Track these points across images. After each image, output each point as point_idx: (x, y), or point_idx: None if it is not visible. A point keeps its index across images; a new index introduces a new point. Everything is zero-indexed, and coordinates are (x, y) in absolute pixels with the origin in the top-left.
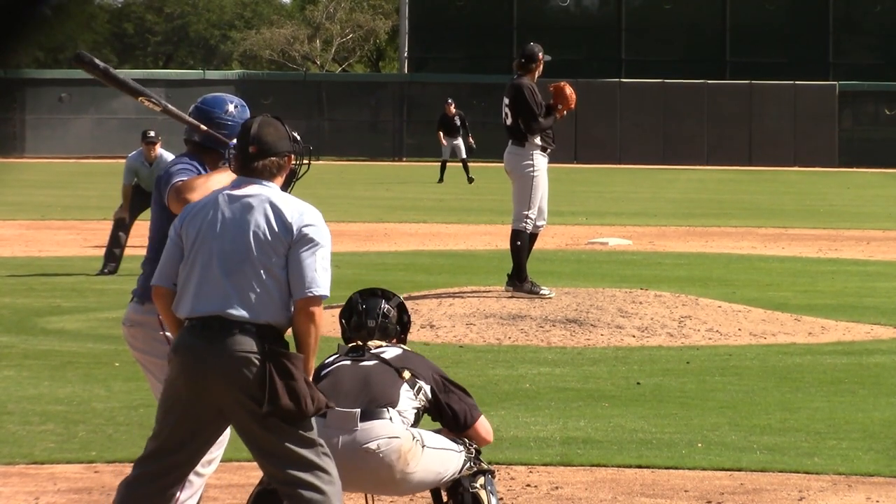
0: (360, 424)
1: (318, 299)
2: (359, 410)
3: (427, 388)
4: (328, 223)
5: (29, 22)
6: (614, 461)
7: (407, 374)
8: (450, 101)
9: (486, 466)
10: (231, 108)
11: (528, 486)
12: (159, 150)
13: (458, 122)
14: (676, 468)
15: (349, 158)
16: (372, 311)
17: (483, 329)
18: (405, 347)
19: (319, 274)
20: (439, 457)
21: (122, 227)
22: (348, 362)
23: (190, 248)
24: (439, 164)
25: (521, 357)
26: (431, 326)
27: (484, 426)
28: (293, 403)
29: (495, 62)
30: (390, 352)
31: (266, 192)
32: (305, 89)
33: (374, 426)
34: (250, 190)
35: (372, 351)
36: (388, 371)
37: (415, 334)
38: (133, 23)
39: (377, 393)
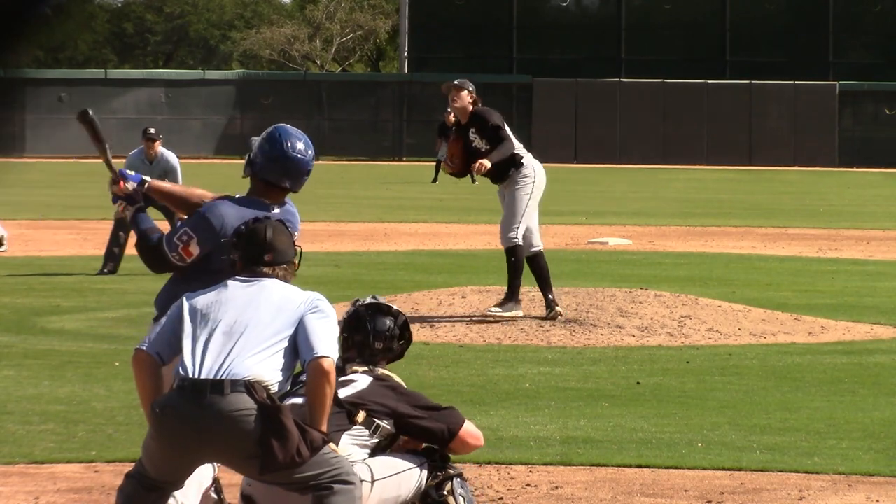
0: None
1: (330, 361)
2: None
3: (386, 423)
4: (328, 223)
5: (29, 22)
6: (614, 461)
7: (361, 417)
8: (449, 109)
9: (453, 471)
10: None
11: (528, 485)
12: (160, 148)
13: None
14: (676, 468)
15: (349, 158)
16: (381, 333)
17: (483, 329)
18: (381, 374)
19: (331, 340)
20: (392, 483)
21: (122, 226)
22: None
23: (194, 321)
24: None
25: (521, 357)
26: (431, 326)
27: (469, 433)
28: (289, 459)
29: (495, 62)
30: (356, 385)
31: (272, 282)
32: (305, 89)
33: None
34: (259, 281)
35: (339, 379)
36: (337, 415)
37: (415, 334)
38: (133, 22)
39: None
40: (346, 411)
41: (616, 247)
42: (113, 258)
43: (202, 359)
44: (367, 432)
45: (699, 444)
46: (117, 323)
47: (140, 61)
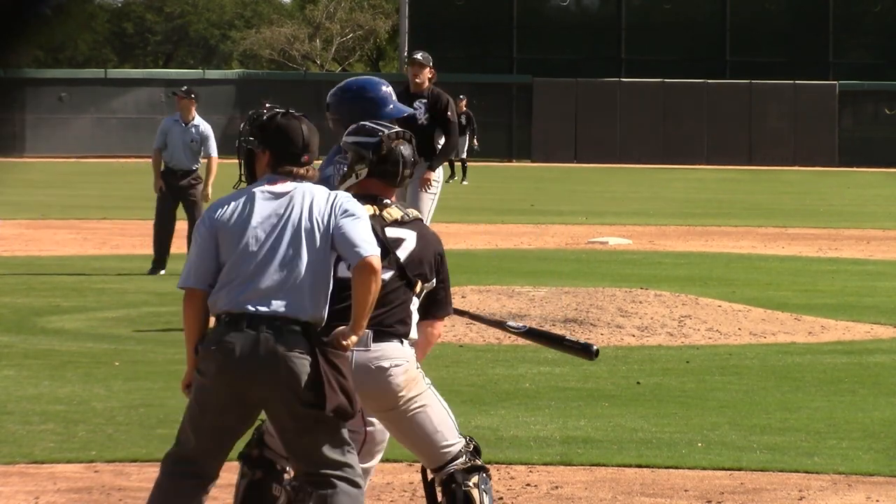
0: (372, 345)
1: (377, 258)
2: (371, 332)
3: (428, 285)
4: None
5: (29, 22)
6: (614, 461)
7: (419, 288)
8: (462, 97)
9: (481, 463)
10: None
11: (528, 485)
12: (196, 114)
13: (465, 121)
14: (676, 468)
15: None
16: (409, 160)
17: (483, 328)
18: (416, 218)
19: (368, 238)
20: (439, 411)
21: (163, 228)
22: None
23: (230, 246)
24: None
25: (521, 356)
26: None
27: (441, 330)
28: (347, 401)
29: (495, 62)
30: (406, 245)
31: (304, 187)
32: (305, 89)
33: (385, 349)
34: (286, 187)
35: (390, 234)
36: (400, 288)
37: None
38: (133, 22)
39: (389, 315)
40: (407, 281)
41: (616, 247)
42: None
43: (248, 290)
44: (418, 302)
45: (699, 444)
46: (117, 323)
47: (140, 61)
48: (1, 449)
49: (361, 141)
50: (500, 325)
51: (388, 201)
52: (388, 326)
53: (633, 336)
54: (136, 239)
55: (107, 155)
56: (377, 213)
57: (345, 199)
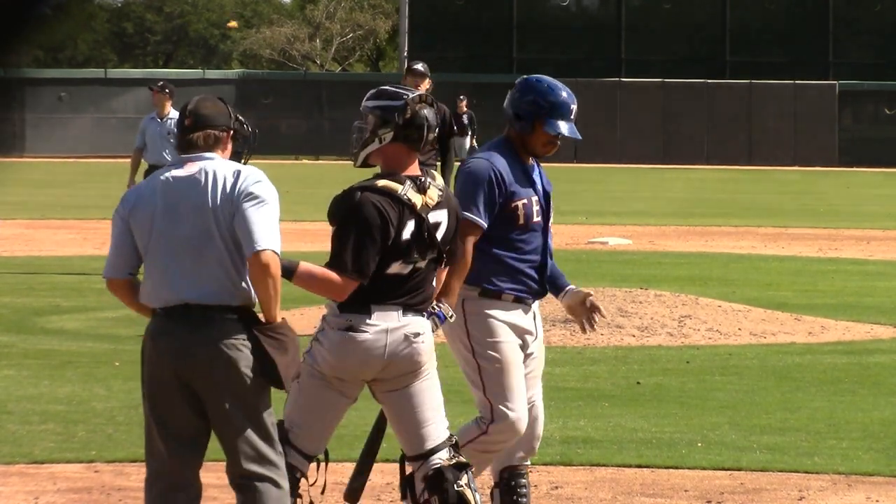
0: (402, 318)
1: (269, 253)
2: (400, 311)
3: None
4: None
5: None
6: (614, 461)
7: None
8: (462, 97)
9: (465, 460)
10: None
11: None
12: (171, 108)
13: (466, 121)
14: (676, 468)
15: (350, 158)
16: (432, 124)
17: None
18: (444, 189)
19: (267, 229)
20: (439, 392)
21: None
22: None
23: (147, 238)
24: None
25: None
26: None
27: None
28: (293, 375)
29: (495, 62)
30: (442, 226)
31: (206, 165)
32: (305, 89)
33: (413, 321)
34: (192, 168)
35: (431, 220)
36: (432, 268)
37: None
38: (133, 22)
39: (418, 295)
40: (439, 259)
41: (616, 247)
42: None
43: (170, 281)
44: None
45: (699, 444)
46: (117, 323)
47: (140, 61)
48: (1, 449)
49: (385, 105)
50: None
51: (425, 180)
52: (416, 304)
53: (633, 336)
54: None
55: (107, 155)
56: (424, 202)
57: (252, 180)
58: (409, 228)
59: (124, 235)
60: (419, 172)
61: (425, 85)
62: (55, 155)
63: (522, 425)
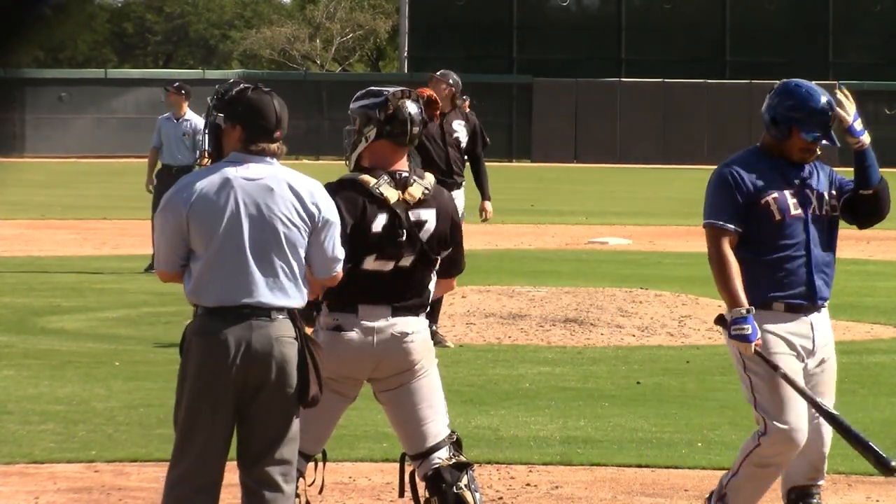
0: (391, 319)
1: (339, 276)
2: (388, 311)
3: (445, 252)
4: None
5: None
6: (614, 461)
7: (438, 261)
8: (465, 97)
9: (465, 459)
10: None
11: (528, 485)
12: (188, 109)
13: None
14: (676, 468)
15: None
16: (416, 118)
17: (483, 328)
18: (433, 185)
19: (338, 253)
20: (440, 389)
21: None
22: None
23: (210, 237)
24: None
25: (520, 356)
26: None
27: (454, 282)
28: (318, 390)
29: (495, 62)
30: (427, 226)
31: (278, 173)
32: (305, 89)
33: (405, 321)
34: (260, 171)
35: (413, 217)
36: (420, 268)
37: None
38: (133, 22)
39: (409, 295)
40: (428, 261)
41: (616, 247)
42: None
43: (235, 283)
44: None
45: (699, 444)
46: (117, 323)
47: (140, 61)
48: (1, 449)
49: (367, 103)
50: (811, 400)
51: (405, 175)
52: (408, 305)
53: (634, 336)
54: (136, 239)
55: (107, 155)
56: (401, 198)
57: (325, 199)
58: (380, 222)
59: (179, 232)
60: (406, 168)
61: (444, 90)
62: (55, 155)
63: (798, 438)
